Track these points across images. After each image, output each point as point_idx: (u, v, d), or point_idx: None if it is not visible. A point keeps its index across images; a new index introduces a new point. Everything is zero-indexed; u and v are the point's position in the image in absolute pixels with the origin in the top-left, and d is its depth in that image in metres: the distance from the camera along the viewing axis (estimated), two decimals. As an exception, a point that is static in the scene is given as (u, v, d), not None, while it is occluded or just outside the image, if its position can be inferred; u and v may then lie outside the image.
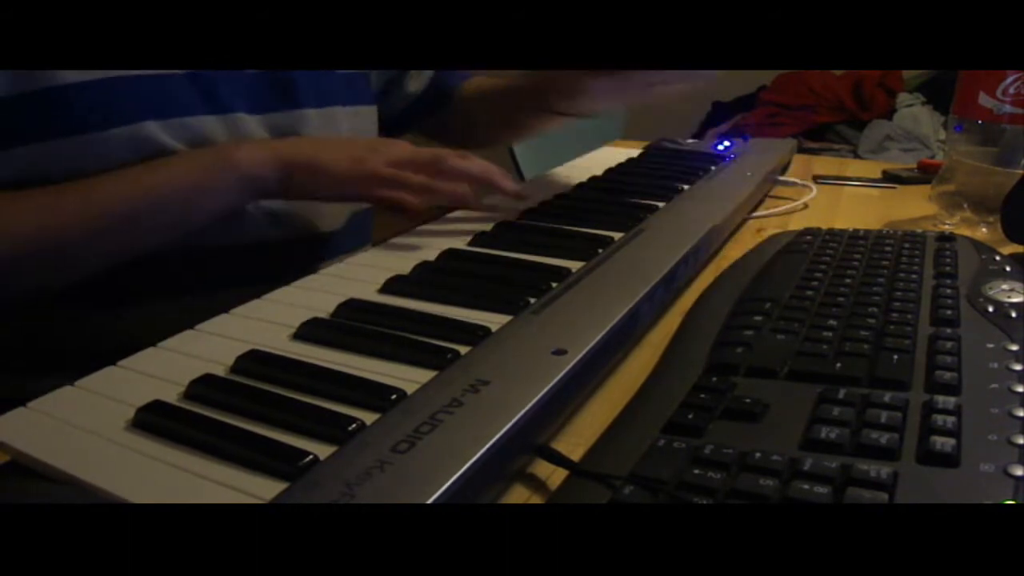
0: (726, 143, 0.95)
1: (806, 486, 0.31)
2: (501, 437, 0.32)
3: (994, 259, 0.57)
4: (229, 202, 0.59)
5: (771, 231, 0.71)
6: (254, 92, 0.65)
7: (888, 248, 0.60)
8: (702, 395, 0.39)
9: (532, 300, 0.46)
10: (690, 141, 1.02)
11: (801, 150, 1.12)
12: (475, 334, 0.42)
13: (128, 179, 0.56)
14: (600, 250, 0.55)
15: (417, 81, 0.86)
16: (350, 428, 0.33)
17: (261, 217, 0.66)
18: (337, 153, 0.60)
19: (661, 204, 0.67)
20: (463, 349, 0.40)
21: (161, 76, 0.59)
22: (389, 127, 0.84)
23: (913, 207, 0.85)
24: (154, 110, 0.58)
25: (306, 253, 0.71)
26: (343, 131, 0.74)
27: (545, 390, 0.35)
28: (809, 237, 0.64)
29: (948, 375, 0.39)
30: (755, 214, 0.79)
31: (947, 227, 0.76)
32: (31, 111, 0.55)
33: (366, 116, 0.77)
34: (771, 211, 0.81)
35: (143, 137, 0.57)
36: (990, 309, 0.48)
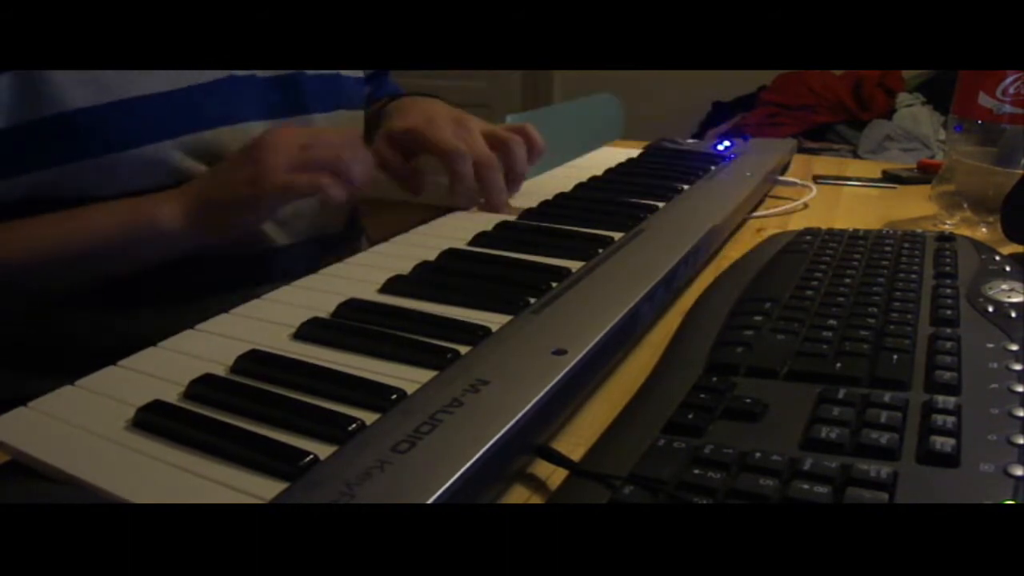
0: (726, 143, 0.95)
1: (806, 486, 0.31)
2: (501, 437, 0.32)
3: (994, 259, 0.57)
4: (165, 252, 0.58)
5: (771, 231, 0.71)
6: (264, 98, 0.65)
7: (888, 248, 0.60)
8: (702, 395, 0.39)
9: (532, 300, 0.46)
10: (690, 141, 1.02)
11: (801, 150, 1.12)
12: (475, 334, 0.42)
13: (55, 224, 0.56)
14: (600, 250, 0.55)
15: None
16: (350, 428, 0.33)
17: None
18: (229, 180, 0.57)
19: (661, 204, 0.67)
20: (463, 349, 0.40)
21: (171, 93, 0.58)
22: None
23: (913, 207, 0.85)
24: (165, 129, 0.58)
25: (305, 255, 0.71)
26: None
27: (545, 390, 0.35)
28: (809, 237, 0.64)
29: (948, 375, 0.39)
30: (755, 214, 0.79)
31: (947, 227, 0.76)
32: (40, 138, 0.55)
33: None
34: (771, 211, 0.81)
35: (156, 158, 0.57)
36: (990, 309, 0.48)
